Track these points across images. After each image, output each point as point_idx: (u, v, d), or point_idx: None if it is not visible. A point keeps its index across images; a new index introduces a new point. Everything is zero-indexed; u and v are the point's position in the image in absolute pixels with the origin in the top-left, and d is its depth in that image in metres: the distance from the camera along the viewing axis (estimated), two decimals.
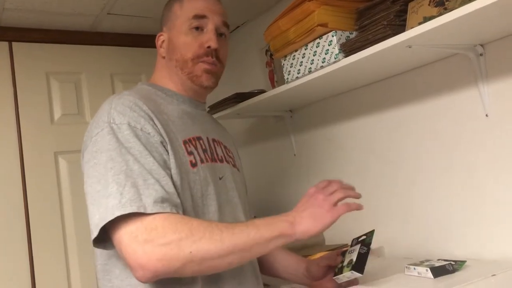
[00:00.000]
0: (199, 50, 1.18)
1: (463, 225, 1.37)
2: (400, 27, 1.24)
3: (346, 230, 1.73)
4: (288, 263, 1.31)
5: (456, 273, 1.19)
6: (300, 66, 1.52)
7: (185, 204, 1.03)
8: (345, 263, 1.14)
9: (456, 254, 1.37)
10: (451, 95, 1.39)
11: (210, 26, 1.19)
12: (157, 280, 0.95)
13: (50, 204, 2.02)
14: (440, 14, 1.08)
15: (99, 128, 1.02)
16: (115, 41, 2.28)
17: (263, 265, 1.31)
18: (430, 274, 1.17)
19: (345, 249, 1.21)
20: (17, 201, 1.96)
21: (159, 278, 0.93)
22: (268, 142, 2.20)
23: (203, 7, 1.20)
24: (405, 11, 1.24)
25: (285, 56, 1.58)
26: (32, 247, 1.95)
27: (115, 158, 0.97)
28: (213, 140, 1.22)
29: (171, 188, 0.99)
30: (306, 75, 1.49)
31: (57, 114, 2.12)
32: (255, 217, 1.47)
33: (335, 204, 1.04)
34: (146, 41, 2.26)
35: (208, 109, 1.93)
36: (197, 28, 1.19)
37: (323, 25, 1.38)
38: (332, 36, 1.39)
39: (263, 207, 2.10)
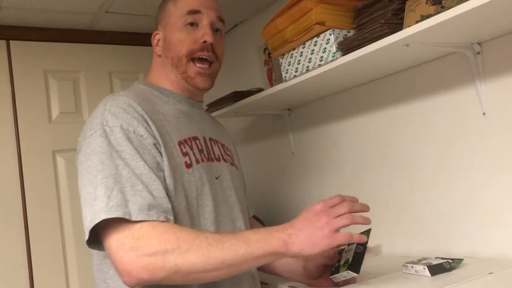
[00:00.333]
0: (194, 45, 1.17)
1: (460, 223, 1.37)
2: (398, 26, 1.24)
3: (343, 229, 1.73)
4: (286, 261, 1.31)
5: (454, 271, 1.19)
6: (298, 64, 1.52)
7: (178, 206, 1.03)
8: (342, 262, 1.15)
9: (454, 252, 1.37)
10: (449, 93, 1.39)
11: (205, 21, 1.19)
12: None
13: (48, 203, 2.02)
14: (438, 13, 1.08)
15: (93, 130, 1.03)
16: (113, 39, 2.28)
17: None
18: (427, 272, 1.17)
19: (342, 248, 1.21)
20: (15, 200, 1.96)
21: (145, 284, 0.93)
22: (266, 141, 2.20)
23: (197, 3, 1.19)
24: (402, 10, 1.24)
25: (283, 55, 1.58)
26: (30, 246, 1.95)
27: (105, 162, 0.97)
28: (210, 139, 1.22)
29: (161, 193, 0.98)
30: (304, 73, 1.49)
31: (55, 113, 2.12)
32: (254, 216, 1.47)
33: (338, 230, 0.97)
34: (144, 39, 2.23)
35: (206, 107, 1.93)
36: (191, 24, 1.18)
37: (321, 23, 1.37)
38: (330, 34, 1.39)
39: (261, 205, 2.10)
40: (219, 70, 1.25)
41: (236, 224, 1.19)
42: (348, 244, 1.18)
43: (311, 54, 1.45)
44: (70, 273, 2.02)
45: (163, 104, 1.17)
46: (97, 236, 0.96)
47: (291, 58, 1.54)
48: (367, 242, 1.13)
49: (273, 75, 2.02)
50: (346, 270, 1.10)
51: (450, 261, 1.22)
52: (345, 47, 1.36)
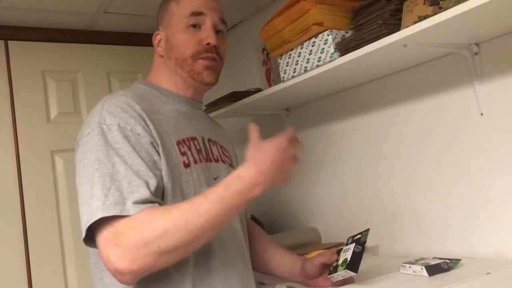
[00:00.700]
0: (198, 47, 1.18)
1: (458, 224, 1.38)
2: (395, 26, 1.24)
3: (342, 228, 1.74)
4: (284, 262, 1.31)
5: (451, 271, 1.19)
6: (296, 65, 1.52)
7: None
8: (340, 261, 1.15)
9: (451, 252, 1.38)
10: (446, 94, 1.39)
11: (208, 23, 1.19)
12: (148, 277, 0.95)
13: (46, 203, 2.02)
14: (435, 13, 1.08)
15: (90, 128, 1.03)
16: (112, 39, 2.28)
17: (259, 263, 1.32)
18: (425, 273, 1.17)
19: (340, 247, 1.21)
20: (13, 200, 1.96)
21: (140, 277, 0.93)
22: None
23: (200, 4, 1.20)
24: (400, 10, 1.25)
25: (281, 55, 1.58)
26: (29, 245, 1.95)
27: (102, 160, 0.97)
28: (209, 140, 1.22)
29: (158, 190, 0.99)
30: (302, 74, 1.49)
31: (53, 113, 2.11)
32: (252, 217, 1.47)
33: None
34: (143, 39, 2.25)
35: (205, 107, 1.93)
36: (194, 25, 1.19)
37: (319, 24, 1.38)
38: (328, 35, 1.39)
39: (260, 206, 2.10)
40: (221, 69, 1.25)
41: (233, 224, 1.19)
42: (346, 244, 1.19)
43: (309, 54, 1.45)
44: (69, 272, 2.02)
45: (162, 104, 1.17)
46: (94, 235, 0.96)
47: (289, 58, 1.54)
48: (365, 242, 1.14)
49: (272, 76, 2.02)
50: (344, 269, 1.10)
51: (448, 261, 1.22)
52: (343, 48, 1.36)
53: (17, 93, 2.03)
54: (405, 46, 1.20)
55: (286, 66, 1.56)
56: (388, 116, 1.59)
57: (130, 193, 0.94)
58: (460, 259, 1.25)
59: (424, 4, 1.17)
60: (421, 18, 1.12)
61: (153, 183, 0.98)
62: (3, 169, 1.96)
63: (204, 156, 1.17)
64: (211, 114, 1.86)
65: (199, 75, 1.19)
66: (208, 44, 1.18)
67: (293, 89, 1.60)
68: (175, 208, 0.95)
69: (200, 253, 1.04)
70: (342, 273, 1.11)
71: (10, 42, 2.05)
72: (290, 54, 1.54)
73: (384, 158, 1.61)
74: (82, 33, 2.20)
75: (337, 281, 1.16)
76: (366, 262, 1.32)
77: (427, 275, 1.16)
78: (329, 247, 1.59)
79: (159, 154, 1.04)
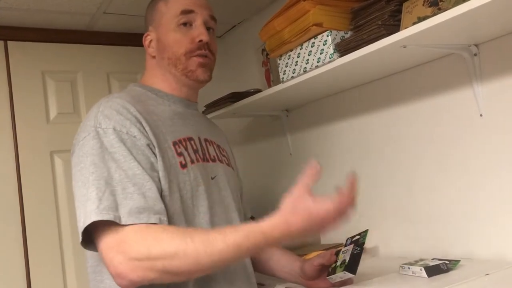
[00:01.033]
0: (191, 45, 1.18)
1: (457, 225, 1.38)
2: (395, 27, 1.24)
3: (341, 229, 1.73)
4: (283, 262, 1.31)
5: (450, 272, 1.19)
6: (295, 65, 1.52)
7: (173, 207, 1.03)
8: (339, 263, 1.15)
9: (450, 253, 1.38)
10: (446, 95, 1.39)
11: (198, 21, 1.19)
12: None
13: (45, 203, 2.01)
14: (434, 14, 1.08)
15: (86, 132, 1.03)
16: (111, 40, 2.27)
17: (258, 263, 1.32)
18: (424, 274, 1.17)
19: (339, 248, 1.21)
20: (12, 200, 1.95)
21: (138, 285, 0.94)
22: (264, 142, 2.20)
23: (190, 2, 1.20)
24: (399, 11, 1.25)
25: (281, 56, 1.58)
26: (28, 246, 1.95)
27: (98, 164, 0.97)
28: (205, 140, 1.22)
29: (153, 194, 0.98)
30: (301, 74, 1.49)
31: (53, 113, 2.11)
32: (252, 217, 1.47)
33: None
34: (142, 40, 2.25)
35: (204, 108, 1.93)
36: (185, 24, 1.19)
37: (318, 24, 1.38)
38: (327, 36, 1.39)
39: (259, 206, 2.10)
40: (214, 66, 1.26)
41: (232, 224, 1.19)
42: (345, 245, 1.19)
43: (309, 55, 1.45)
44: (68, 272, 2.01)
45: (158, 105, 1.17)
46: (92, 237, 0.97)
47: (288, 59, 1.54)
48: (364, 243, 1.14)
49: (271, 76, 2.02)
50: (343, 271, 1.10)
51: (447, 262, 1.22)
52: (343, 49, 1.36)
53: (16, 94, 2.03)
54: (404, 47, 1.20)
55: (286, 66, 1.56)
56: (387, 117, 1.59)
57: (124, 200, 0.94)
58: (459, 260, 1.25)
59: (423, 5, 1.17)
60: (421, 19, 1.12)
61: (150, 186, 0.98)
62: (3, 169, 1.96)
63: (201, 156, 1.16)
64: (211, 115, 1.86)
65: (193, 73, 1.19)
66: (201, 41, 1.18)
67: (293, 90, 1.60)
68: (189, 236, 0.93)
69: None
70: (341, 275, 1.12)
71: (9, 43, 2.04)
72: (290, 55, 1.54)
73: (383, 159, 1.60)
74: (82, 34, 2.19)
75: (335, 282, 1.16)
76: (364, 263, 1.32)
77: (426, 276, 1.16)
78: (328, 248, 1.59)
79: (155, 155, 1.04)
